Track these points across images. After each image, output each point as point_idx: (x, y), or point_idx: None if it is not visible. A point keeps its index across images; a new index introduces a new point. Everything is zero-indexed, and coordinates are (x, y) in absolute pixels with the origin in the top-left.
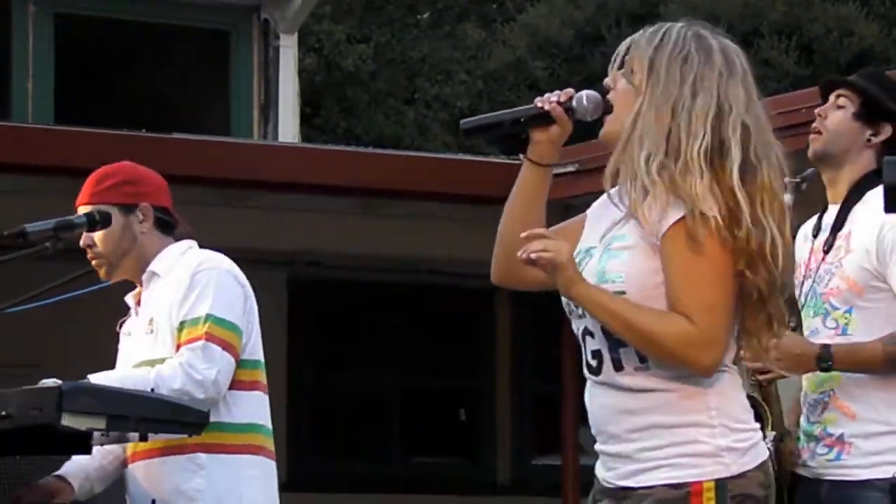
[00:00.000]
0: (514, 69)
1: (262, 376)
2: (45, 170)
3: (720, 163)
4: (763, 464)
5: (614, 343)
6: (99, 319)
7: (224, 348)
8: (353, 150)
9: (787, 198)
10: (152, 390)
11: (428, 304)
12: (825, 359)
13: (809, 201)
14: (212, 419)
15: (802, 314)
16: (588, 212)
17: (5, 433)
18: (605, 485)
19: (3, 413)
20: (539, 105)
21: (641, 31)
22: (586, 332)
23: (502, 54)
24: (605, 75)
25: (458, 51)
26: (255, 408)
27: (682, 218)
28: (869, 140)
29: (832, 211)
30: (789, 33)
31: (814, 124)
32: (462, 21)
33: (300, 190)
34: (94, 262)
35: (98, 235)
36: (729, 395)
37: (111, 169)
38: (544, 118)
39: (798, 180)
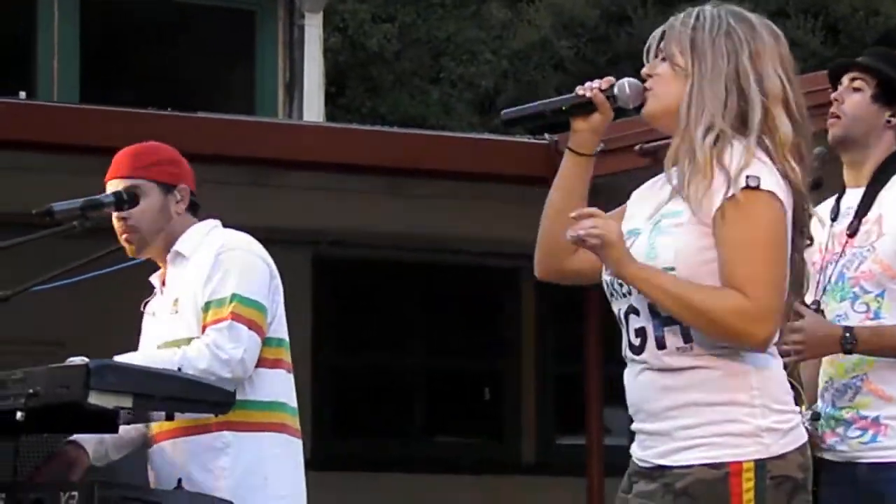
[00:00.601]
0: (539, 49)
1: (286, 355)
2: (72, 149)
3: (797, 148)
4: (802, 446)
5: (660, 321)
6: (124, 298)
7: (250, 328)
8: (377, 130)
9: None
10: (179, 370)
11: (452, 283)
12: (849, 340)
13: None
14: (237, 397)
15: (825, 299)
16: (629, 201)
17: (32, 411)
18: (641, 464)
19: (31, 391)
20: (580, 93)
21: (673, 17)
22: (631, 310)
23: (527, 34)
24: (631, 55)
25: (482, 30)
26: (279, 386)
27: (733, 195)
28: (889, 121)
29: (853, 194)
30: (815, 13)
31: (831, 109)
32: (487, 1)
33: (325, 169)
34: (125, 237)
35: (135, 210)
36: (771, 376)
37: (150, 147)
38: (586, 107)
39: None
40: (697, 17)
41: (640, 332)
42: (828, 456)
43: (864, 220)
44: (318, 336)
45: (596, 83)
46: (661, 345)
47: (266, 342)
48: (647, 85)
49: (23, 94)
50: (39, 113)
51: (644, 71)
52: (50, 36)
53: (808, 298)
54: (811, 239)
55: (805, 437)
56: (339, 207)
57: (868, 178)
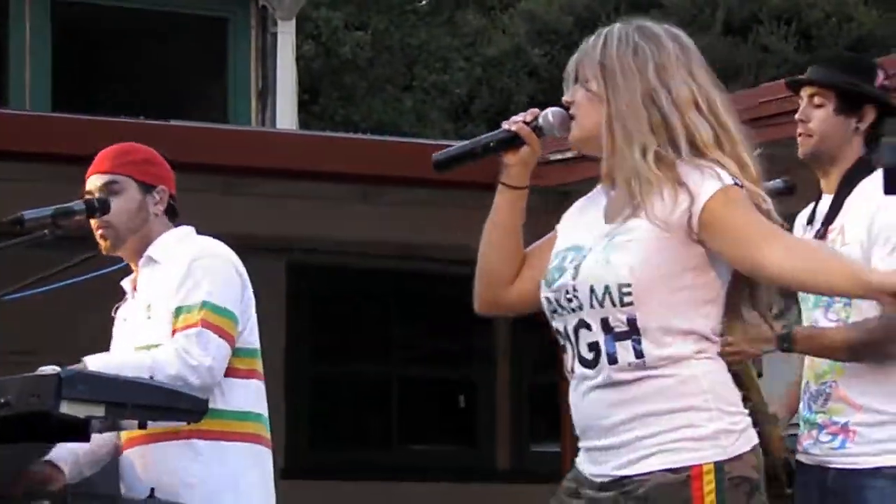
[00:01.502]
0: (512, 56)
1: (258, 365)
2: (43, 157)
3: (718, 142)
4: (755, 447)
5: (612, 336)
6: (95, 307)
7: (220, 335)
8: (351, 137)
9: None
10: (151, 378)
11: (427, 291)
12: (786, 338)
13: (806, 188)
14: (210, 406)
15: (802, 305)
16: (562, 223)
17: (3, 420)
18: (594, 480)
19: (2, 400)
20: (507, 128)
21: (585, 42)
22: (581, 325)
23: (501, 41)
24: None
25: (456, 38)
26: (251, 396)
27: (715, 193)
28: (856, 129)
29: (826, 201)
30: (788, 19)
31: (798, 129)
32: (461, 8)
33: (298, 177)
34: (100, 232)
35: (115, 203)
36: (720, 379)
37: (133, 146)
38: (514, 141)
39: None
40: (605, 40)
41: (594, 347)
42: (802, 458)
43: (830, 228)
44: (292, 344)
45: (521, 116)
46: (612, 360)
47: (238, 352)
48: (570, 112)
49: None
50: (11, 122)
51: (564, 98)
52: (22, 45)
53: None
54: None
55: (756, 438)
56: (313, 215)
57: (835, 184)
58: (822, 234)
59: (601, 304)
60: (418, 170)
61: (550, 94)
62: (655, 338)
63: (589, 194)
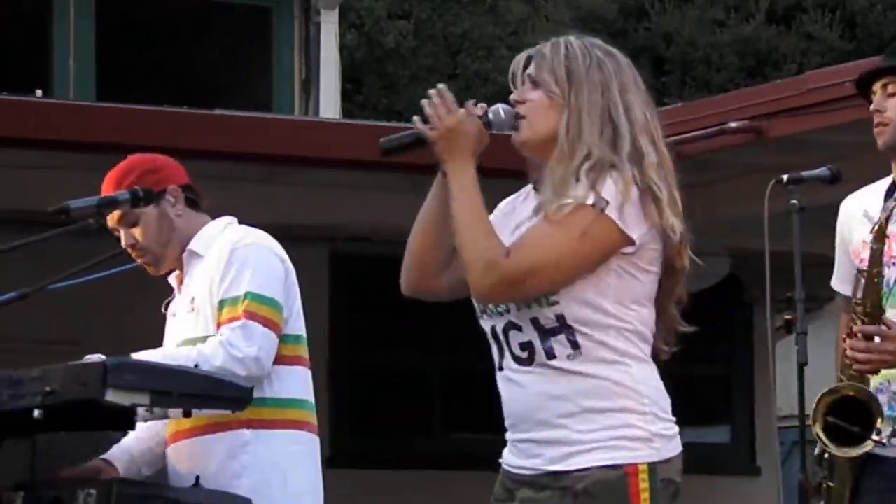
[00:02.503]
0: None
1: (303, 351)
2: (89, 146)
3: (661, 172)
4: (679, 454)
5: (545, 334)
6: (139, 297)
7: (265, 325)
8: (395, 126)
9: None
10: (196, 366)
11: None
12: None
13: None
14: (255, 395)
15: (886, 303)
16: (495, 213)
17: (50, 409)
18: (524, 472)
19: (48, 389)
20: None
21: (540, 45)
22: (511, 326)
23: (545, 29)
24: (649, 49)
25: (499, 26)
26: (297, 383)
27: (581, 206)
28: None
29: None
30: (833, 7)
31: (875, 120)
32: None
33: (342, 166)
34: (140, 261)
35: (137, 232)
36: (655, 386)
37: (127, 165)
38: None
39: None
40: (567, 49)
41: (527, 346)
42: (878, 451)
43: None
44: (335, 333)
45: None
46: (550, 355)
47: (283, 339)
48: (519, 111)
49: (39, 93)
50: (56, 110)
51: (513, 97)
52: (66, 33)
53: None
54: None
55: (680, 446)
56: (356, 204)
57: None
58: None
59: (528, 306)
60: None
61: None
62: (588, 332)
63: (519, 192)
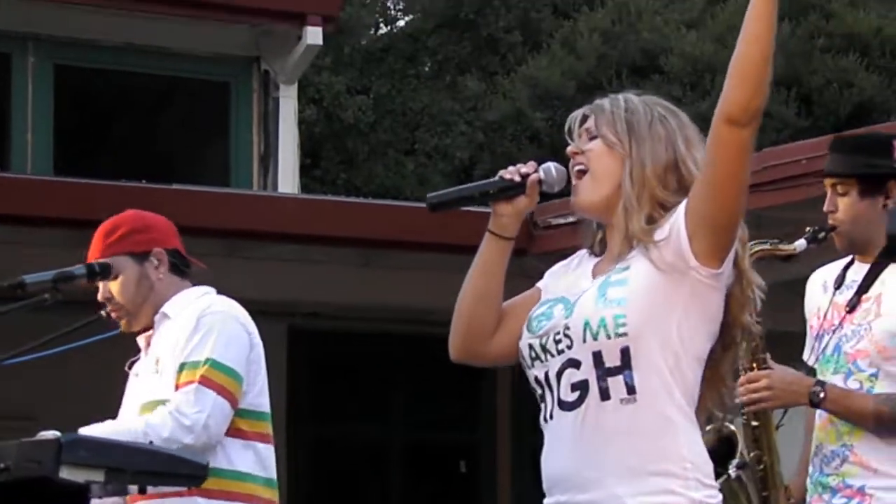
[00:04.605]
0: (514, 120)
1: (266, 428)
2: (45, 221)
3: None
4: None
5: (603, 371)
6: (96, 372)
7: (219, 393)
8: (353, 201)
9: (802, 243)
10: (151, 442)
11: (427, 355)
12: (817, 394)
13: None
14: (211, 465)
15: (819, 367)
16: (546, 278)
17: (2, 486)
18: None
19: (1, 465)
20: (507, 177)
21: (599, 101)
22: (568, 364)
23: (502, 106)
24: None
25: (457, 102)
26: (254, 458)
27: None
28: (885, 206)
29: (859, 269)
30: (789, 84)
31: (829, 220)
32: (462, 73)
33: (300, 241)
34: (114, 315)
35: (114, 287)
36: (699, 449)
37: (118, 220)
38: (514, 190)
39: (818, 233)
40: (628, 103)
41: (580, 386)
42: None
43: (864, 297)
44: (294, 408)
45: (521, 167)
46: (605, 395)
47: (243, 413)
48: (579, 161)
49: None
50: (13, 185)
51: (570, 149)
52: (24, 108)
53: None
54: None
55: None
56: (315, 279)
57: (874, 257)
58: (855, 302)
59: (595, 338)
60: (420, 234)
61: (552, 157)
62: (647, 375)
63: (573, 256)
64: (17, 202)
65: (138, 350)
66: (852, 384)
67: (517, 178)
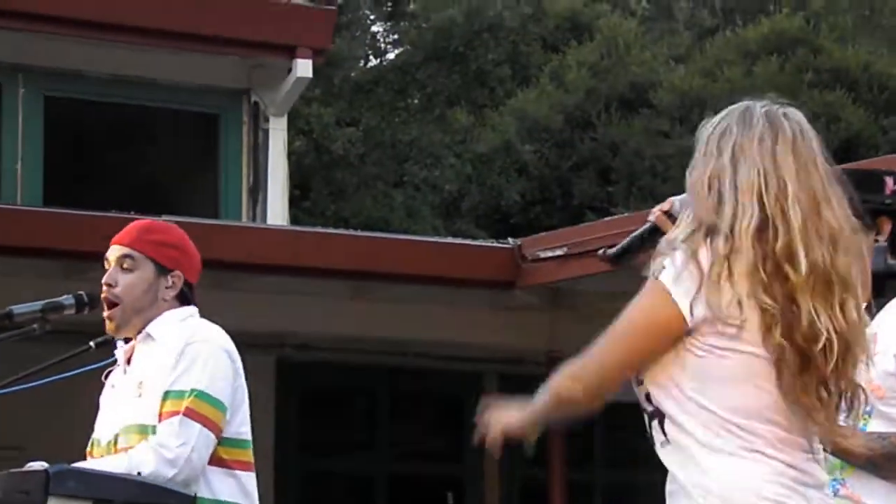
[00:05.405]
0: (503, 153)
1: (248, 456)
2: (34, 251)
3: (765, 236)
4: None
5: (648, 416)
6: (85, 402)
7: (204, 424)
8: (342, 233)
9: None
10: (139, 473)
11: (416, 387)
12: None
13: None
14: (198, 496)
15: None
16: None
17: None
18: None
19: None
20: (651, 219)
21: None
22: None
23: (491, 138)
24: (595, 159)
25: (446, 134)
26: (236, 487)
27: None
28: (876, 240)
29: None
30: None
31: None
32: (451, 105)
33: (289, 272)
34: (108, 311)
35: (126, 279)
36: (733, 481)
37: (162, 227)
38: (658, 230)
39: None
40: (716, 117)
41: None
42: None
43: None
44: (281, 439)
45: (658, 207)
46: (651, 441)
47: (225, 442)
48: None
49: None
50: (3, 216)
51: None
52: (14, 138)
53: None
54: None
55: None
56: (303, 311)
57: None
58: None
59: (638, 384)
60: (408, 266)
61: (540, 191)
62: (671, 419)
63: None
64: (6, 232)
65: (115, 361)
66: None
67: (652, 219)
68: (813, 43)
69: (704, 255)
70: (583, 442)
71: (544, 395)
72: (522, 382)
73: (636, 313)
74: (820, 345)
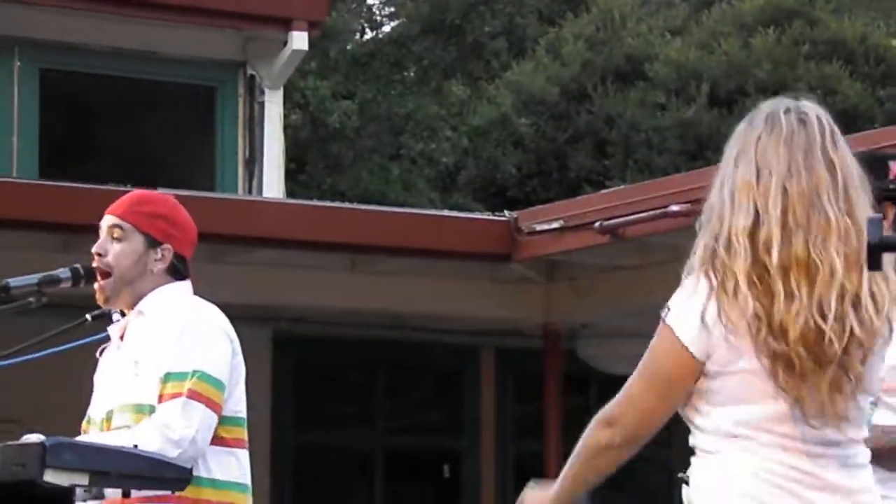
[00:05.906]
0: (499, 126)
1: (242, 433)
2: (30, 224)
3: (757, 231)
4: None
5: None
6: (80, 375)
7: (207, 405)
8: (338, 206)
9: None
10: (135, 446)
11: (413, 360)
12: None
13: None
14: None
15: None
16: None
17: None
18: None
19: None
20: None
21: None
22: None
23: (487, 111)
24: (591, 132)
25: (442, 107)
26: (233, 465)
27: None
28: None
29: None
30: (774, 91)
31: None
32: (447, 78)
33: (285, 246)
34: (99, 277)
35: (117, 248)
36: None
37: (156, 198)
38: None
39: None
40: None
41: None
42: None
43: None
44: (277, 414)
45: None
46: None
47: (223, 420)
48: None
49: None
50: None
51: None
52: (9, 112)
53: None
54: None
55: None
56: (300, 284)
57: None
58: None
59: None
60: (405, 239)
61: (536, 163)
62: (691, 427)
63: None
64: (2, 205)
65: (108, 338)
66: None
67: None
68: (809, 15)
69: (711, 274)
70: (579, 415)
71: (577, 457)
72: (519, 355)
73: (655, 365)
74: (812, 340)
